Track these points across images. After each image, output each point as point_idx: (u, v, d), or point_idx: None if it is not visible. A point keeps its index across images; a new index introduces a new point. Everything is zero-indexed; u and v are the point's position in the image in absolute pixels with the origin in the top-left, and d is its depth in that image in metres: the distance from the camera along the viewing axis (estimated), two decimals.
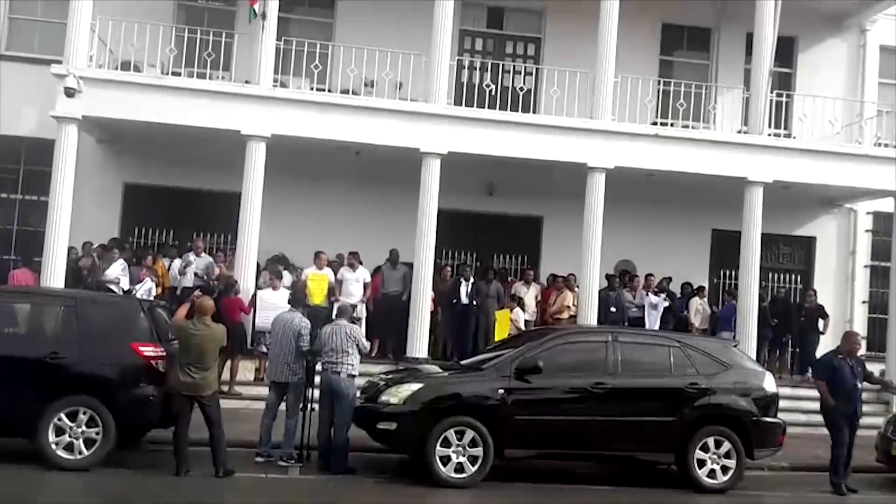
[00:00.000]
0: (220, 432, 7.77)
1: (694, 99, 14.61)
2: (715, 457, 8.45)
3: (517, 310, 13.05)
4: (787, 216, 15.56)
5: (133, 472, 7.78)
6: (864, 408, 13.43)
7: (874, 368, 14.72)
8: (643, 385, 8.52)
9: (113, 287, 11.82)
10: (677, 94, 14.49)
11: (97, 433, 7.63)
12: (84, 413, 7.63)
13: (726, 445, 8.46)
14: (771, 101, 14.23)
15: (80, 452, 7.62)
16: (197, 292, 10.50)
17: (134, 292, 11.67)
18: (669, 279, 14.53)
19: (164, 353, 7.97)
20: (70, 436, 7.61)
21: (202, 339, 7.73)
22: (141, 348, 7.85)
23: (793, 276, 16.05)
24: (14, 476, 7.36)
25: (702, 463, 8.42)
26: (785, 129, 15.56)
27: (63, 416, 7.60)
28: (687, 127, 14.62)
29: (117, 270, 12.14)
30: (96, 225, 13.78)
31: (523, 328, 12.70)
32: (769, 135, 14.41)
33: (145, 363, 7.83)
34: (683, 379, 8.56)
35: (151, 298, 11.19)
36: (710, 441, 8.45)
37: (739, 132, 14.93)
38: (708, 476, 8.42)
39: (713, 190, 14.37)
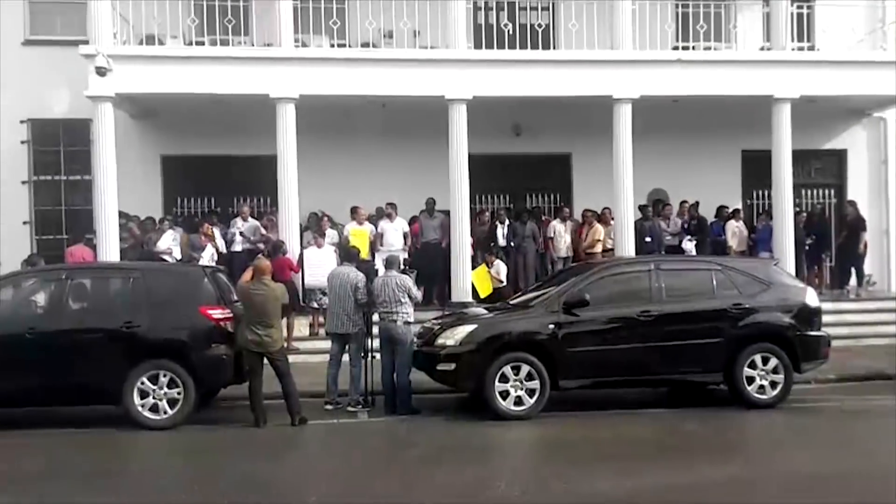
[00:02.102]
0: (292, 384, 8.26)
1: (714, 19, 14.50)
2: (763, 373, 8.79)
3: (497, 262, 12.95)
4: (817, 130, 15.54)
5: (216, 427, 8.31)
6: None
7: None
8: (688, 309, 8.81)
9: (166, 257, 12.28)
10: (696, 16, 14.38)
11: (178, 393, 8.15)
12: (164, 375, 8.14)
13: (773, 361, 8.78)
14: (792, 13, 14.10)
15: (165, 412, 8.16)
16: (259, 256, 10.95)
17: (199, 259, 12.11)
18: (696, 204, 14.64)
19: (231, 315, 8.42)
20: (154, 397, 8.14)
21: (263, 299, 8.15)
22: (209, 311, 8.32)
23: (826, 191, 16.09)
24: (108, 437, 7.93)
25: (750, 380, 8.77)
26: (808, 41, 15.43)
27: (145, 379, 8.12)
28: (709, 49, 14.55)
29: (168, 241, 12.59)
30: (139, 198, 14.15)
31: (504, 280, 12.79)
32: (792, 49, 14.33)
33: (215, 325, 8.30)
34: (726, 300, 8.84)
35: (214, 264, 11.66)
36: (758, 358, 8.77)
37: (762, 49, 14.86)
38: (757, 392, 8.77)
39: (740, 111, 14.38)
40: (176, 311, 8.29)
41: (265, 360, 8.23)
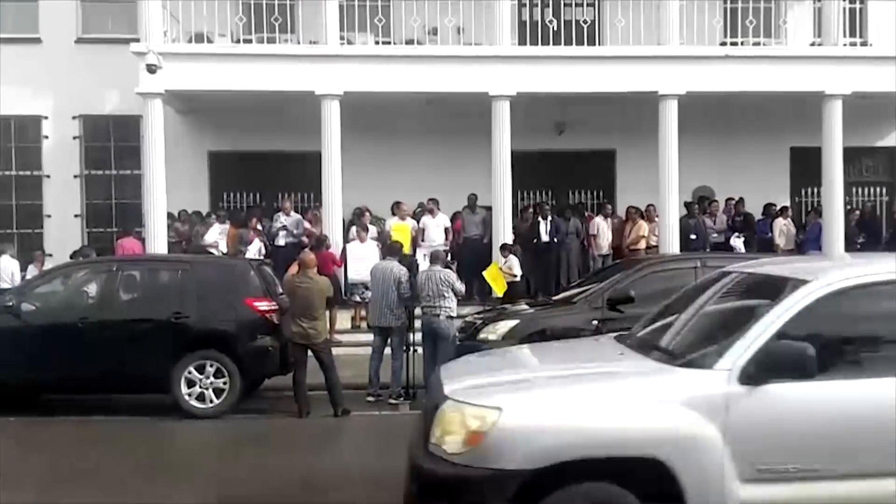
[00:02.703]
0: (335, 376, 8.36)
1: (763, 14, 14.19)
2: None
3: (511, 257, 12.43)
4: (867, 127, 15.14)
5: (260, 417, 8.47)
6: None
7: None
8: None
9: (212, 251, 12.52)
10: (745, 11, 14.08)
11: (224, 383, 8.32)
12: (211, 365, 8.31)
13: None
14: (844, 8, 13.79)
15: (211, 401, 8.33)
16: (307, 249, 11.08)
17: (246, 253, 12.32)
18: (741, 200, 14.40)
19: (277, 307, 8.55)
20: (200, 387, 8.32)
21: (308, 291, 8.27)
22: (255, 303, 8.46)
23: (877, 189, 15.70)
24: (156, 426, 8.13)
25: None
26: (860, 37, 15.07)
27: (192, 369, 8.30)
28: (758, 44, 14.29)
29: (215, 235, 12.83)
30: (187, 193, 14.42)
31: (518, 274, 12.36)
32: (844, 45, 14.01)
33: (260, 317, 8.45)
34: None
35: (262, 258, 11.87)
36: None
37: (813, 45, 14.55)
38: None
39: (789, 107, 14.11)
40: (223, 303, 8.46)
41: (309, 352, 8.33)
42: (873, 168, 16.06)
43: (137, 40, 12.83)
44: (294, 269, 8.64)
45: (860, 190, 15.55)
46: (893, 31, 14.27)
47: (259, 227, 13.35)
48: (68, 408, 8.70)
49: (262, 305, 8.48)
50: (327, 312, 12.05)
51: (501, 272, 12.15)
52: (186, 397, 8.31)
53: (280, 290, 8.82)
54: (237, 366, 8.30)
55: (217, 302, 8.46)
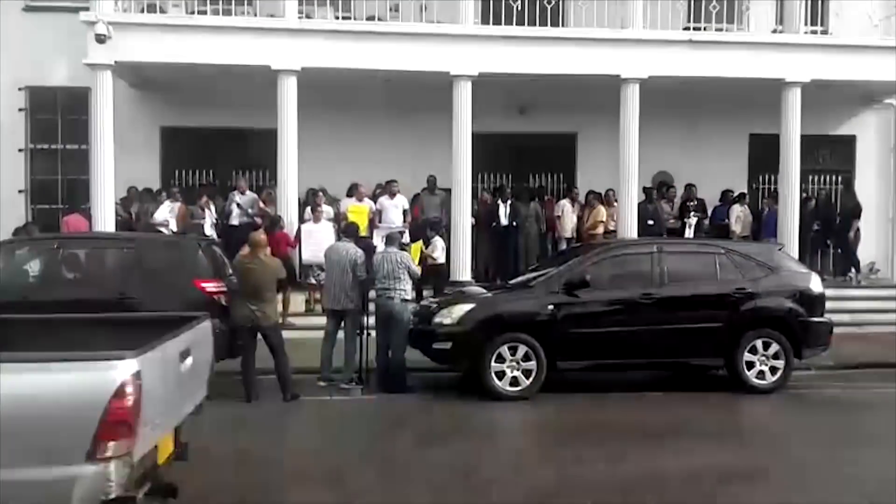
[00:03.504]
0: (285, 360, 8.14)
1: (727, 0, 14.22)
2: (763, 358, 8.66)
3: (437, 239, 12.10)
4: (826, 116, 15.26)
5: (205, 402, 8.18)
6: None
7: None
8: (689, 293, 8.68)
9: (162, 229, 12.15)
10: None
11: None
12: None
13: (774, 347, 8.65)
14: None
15: None
16: (258, 230, 10.82)
17: (202, 224, 12.18)
18: (692, 186, 14.38)
19: (226, 289, 8.29)
20: None
21: (257, 273, 8.02)
22: (203, 285, 8.19)
23: (834, 177, 15.83)
24: None
25: (751, 365, 8.64)
26: (821, 25, 15.16)
27: None
28: (721, 30, 14.26)
29: (165, 213, 12.45)
30: (137, 169, 13.99)
31: (439, 258, 12.09)
32: (805, 32, 14.06)
33: (208, 298, 8.17)
34: (729, 284, 8.70)
35: (214, 233, 11.61)
36: (759, 343, 8.64)
37: (774, 32, 14.57)
38: (757, 377, 8.65)
39: (749, 94, 14.12)
40: (169, 284, 8.17)
41: (258, 336, 8.10)
42: (830, 157, 16.21)
43: (87, 9, 12.33)
44: (245, 249, 8.36)
45: (816, 178, 15.69)
46: (854, 20, 14.37)
47: (212, 205, 13.02)
48: None
49: (210, 287, 8.22)
50: (279, 295, 11.95)
51: (423, 254, 11.83)
52: None
53: (230, 271, 8.54)
54: None
55: (163, 283, 8.17)
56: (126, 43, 12.27)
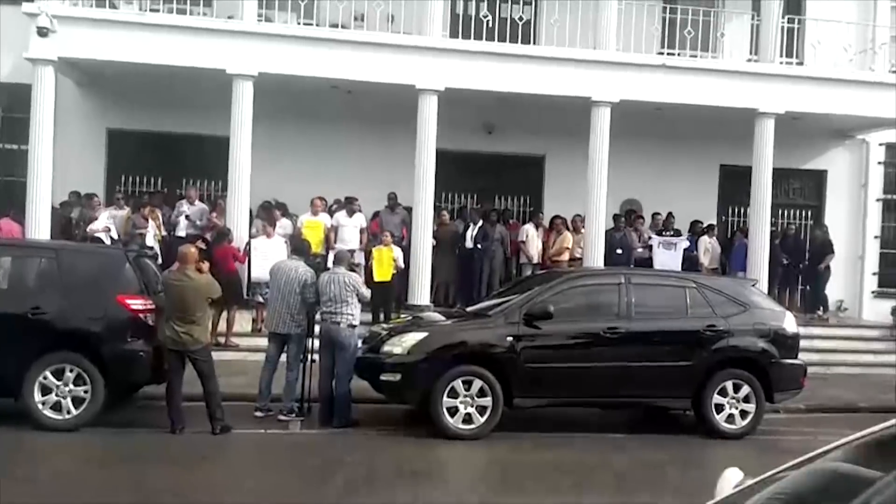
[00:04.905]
0: (214, 387, 7.39)
1: (702, 27, 13.89)
2: (734, 401, 8.11)
3: (395, 247, 11.90)
4: (798, 149, 14.98)
5: (125, 431, 7.42)
6: (879, 345, 13.43)
7: (886, 305, 14.60)
8: (658, 328, 8.14)
9: (101, 237, 11.37)
10: (684, 22, 13.73)
11: (85, 391, 7.26)
12: (71, 370, 7.25)
13: (745, 389, 8.11)
14: (782, 27, 13.56)
15: (69, 412, 7.26)
16: (190, 243, 10.09)
17: (144, 236, 11.52)
18: (671, 215, 14.03)
19: (154, 307, 7.54)
20: (57, 394, 7.24)
21: (183, 291, 7.28)
22: (128, 301, 7.42)
23: (804, 212, 15.56)
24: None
25: (720, 408, 8.08)
26: (796, 57, 14.93)
27: (49, 373, 7.22)
28: (695, 57, 13.95)
29: (104, 221, 11.67)
30: (81, 174, 13.22)
31: (402, 266, 11.89)
32: (780, 63, 13.80)
33: (133, 317, 7.42)
34: (700, 321, 8.16)
35: (157, 245, 10.93)
36: (729, 385, 8.10)
37: (749, 61, 14.30)
38: (726, 421, 8.09)
39: (721, 124, 13.82)
40: (90, 299, 7.38)
41: (187, 360, 7.35)
42: (800, 191, 15.96)
43: (31, 0, 11.56)
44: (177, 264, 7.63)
45: (786, 212, 15.38)
46: (829, 53, 14.16)
47: (158, 214, 12.27)
48: None
49: (136, 304, 7.44)
50: (224, 314, 11.22)
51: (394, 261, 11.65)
52: (40, 406, 7.21)
53: (161, 288, 7.79)
54: (101, 372, 7.24)
55: (84, 297, 7.39)
56: (71, 38, 11.53)
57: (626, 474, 6.80)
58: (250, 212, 12.53)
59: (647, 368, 7.90)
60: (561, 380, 7.81)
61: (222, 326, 11.33)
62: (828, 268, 14.10)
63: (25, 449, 6.91)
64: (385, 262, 11.68)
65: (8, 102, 13.80)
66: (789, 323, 8.54)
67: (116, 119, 13.78)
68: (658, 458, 7.36)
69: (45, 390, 7.22)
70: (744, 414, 8.12)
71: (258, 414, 8.18)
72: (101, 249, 9.48)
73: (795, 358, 8.46)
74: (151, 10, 12.50)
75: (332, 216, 12.68)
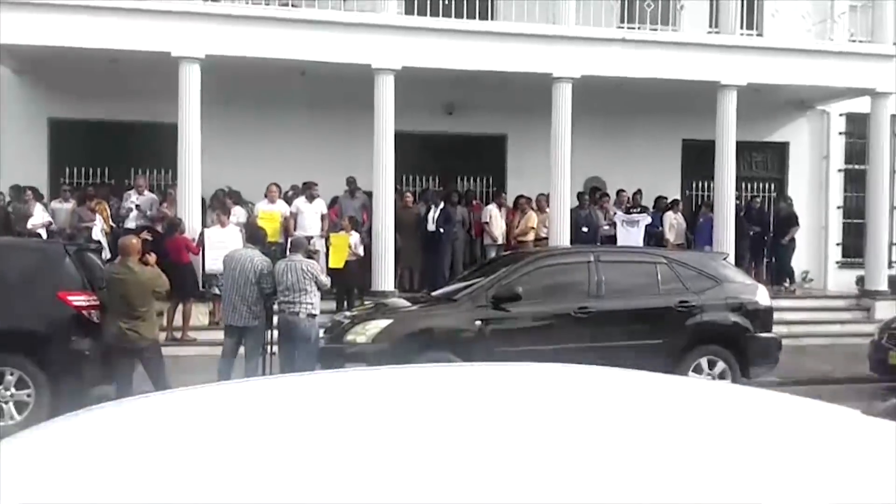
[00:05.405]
0: (165, 388, 6.94)
1: (661, 0, 13.72)
2: (709, 378, 7.92)
3: (353, 233, 11.64)
4: (759, 122, 14.91)
5: None
6: (845, 315, 13.46)
7: (850, 275, 14.65)
8: (630, 307, 7.90)
9: (41, 232, 10.80)
10: None
11: (28, 395, 6.79)
12: (11, 374, 6.77)
13: (720, 365, 7.93)
14: None
15: (11, 417, 6.78)
16: (133, 235, 9.60)
17: (91, 229, 11.05)
18: (639, 192, 13.91)
19: (99, 303, 7.07)
20: None
21: (124, 285, 6.81)
22: (70, 297, 6.95)
23: (767, 185, 15.54)
24: None
25: None
26: (755, 28, 14.84)
27: None
28: (655, 30, 13.74)
29: (41, 216, 11.12)
30: (22, 166, 12.58)
31: (361, 253, 11.65)
32: (741, 34, 13.67)
33: (76, 313, 6.95)
34: (672, 297, 7.95)
35: (104, 239, 10.43)
36: (704, 361, 7.90)
37: (709, 34, 14.14)
38: None
39: (683, 98, 13.64)
40: (28, 297, 6.89)
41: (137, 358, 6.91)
42: (763, 163, 15.92)
43: None
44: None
45: (749, 185, 15.32)
46: (789, 24, 14.07)
47: (105, 206, 11.73)
48: None
49: (79, 300, 6.97)
50: (162, 310, 10.70)
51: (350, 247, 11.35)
52: None
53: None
54: (45, 374, 6.78)
55: (23, 294, 6.89)
56: (5, 23, 10.83)
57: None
58: (203, 200, 12.04)
59: (619, 348, 7.62)
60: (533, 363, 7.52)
61: (178, 321, 10.87)
62: (793, 240, 14.09)
63: None
64: (340, 248, 11.31)
65: None
66: (762, 296, 8.38)
67: (58, 108, 13.17)
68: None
69: None
70: None
71: None
72: (38, 244, 8.92)
73: (770, 331, 8.29)
74: None
75: (289, 203, 12.24)
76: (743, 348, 8.03)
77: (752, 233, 13.77)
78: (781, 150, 15.82)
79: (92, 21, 11.17)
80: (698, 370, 7.90)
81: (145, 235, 10.56)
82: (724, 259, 9.01)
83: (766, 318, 8.30)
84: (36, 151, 13.14)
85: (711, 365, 7.95)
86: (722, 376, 7.94)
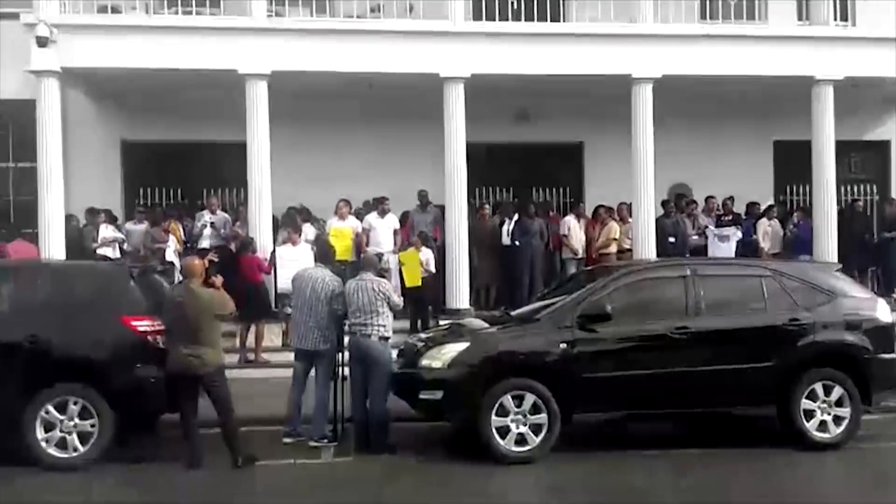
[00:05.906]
0: (229, 416, 6.56)
1: None
2: (825, 405, 7.02)
3: (424, 249, 11.26)
4: (855, 119, 13.82)
5: (137, 468, 6.64)
6: None
7: None
8: (733, 326, 7.11)
9: (107, 252, 10.78)
10: None
11: (92, 425, 6.51)
12: (74, 403, 6.50)
13: (838, 391, 7.02)
14: None
15: (75, 449, 6.52)
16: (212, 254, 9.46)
17: (165, 254, 11.07)
18: (731, 199, 13.04)
19: (163, 328, 6.75)
20: (61, 430, 6.50)
21: (185, 308, 6.47)
22: (134, 322, 6.65)
23: (867, 186, 14.39)
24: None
25: (810, 414, 7.00)
26: (845, 19, 13.78)
27: (51, 408, 6.48)
28: (741, 24, 12.89)
29: (109, 235, 11.10)
30: (96, 188, 12.64)
31: (433, 269, 11.19)
32: (834, 25, 12.69)
33: (140, 339, 6.64)
34: (780, 315, 7.12)
35: (175, 260, 10.34)
36: (819, 387, 7.02)
37: (800, 26, 13.19)
38: (818, 429, 7.01)
39: (773, 96, 12.82)
40: (91, 322, 6.62)
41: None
42: (861, 164, 14.76)
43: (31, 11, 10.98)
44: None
45: (847, 188, 14.18)
46: (879, 10, 13.00)
47: (179, 227, 11.69)
48: None
49: (143, 325, 6.66)
50: (250, 328, 10.48)
51: (421, 264, 10.94)
52: (43, 444, 6.48)
53: None
54: (109, 403, 6.49)
55: (85, 320, 6.63)
56: (73, 47, 10.97)
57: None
58: (274, 219, 11.82)
59: (724, 372, 6.89)
60: (625, 390, 6.83)
61: (251, 342, 10.62)
62: None
63: (28, 489, 6.15)
64: (413, 266, 10.87)
65: (17, 120, 13.24)
66: (882, 311, 7.44)
67: (130, 129, 13.24)
68: (745, 481, 6.35)
69: (49, 426, 6.49)
70: (837, 420, 7.04)
71: (287, 440, 7.36)
72: (100, 266, 8.72)
73: (892, 352, 7.35)
74: (156, 13, 11.80)
75: (361, 220, 11.90)
76: (862, 371, 7.11)
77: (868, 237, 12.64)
78: (883, 149, 14.67)
79: (158, 41, 11.19)
80: (813, 396, 7.03)
81: (212, 256, 10.38)
82: (838, 270, 8.09)
83: (888, 336, 7.36)
84: (109, 174, 13.22)
85: (828, 391, 7.05)
86: (840, 403, 7.06)
